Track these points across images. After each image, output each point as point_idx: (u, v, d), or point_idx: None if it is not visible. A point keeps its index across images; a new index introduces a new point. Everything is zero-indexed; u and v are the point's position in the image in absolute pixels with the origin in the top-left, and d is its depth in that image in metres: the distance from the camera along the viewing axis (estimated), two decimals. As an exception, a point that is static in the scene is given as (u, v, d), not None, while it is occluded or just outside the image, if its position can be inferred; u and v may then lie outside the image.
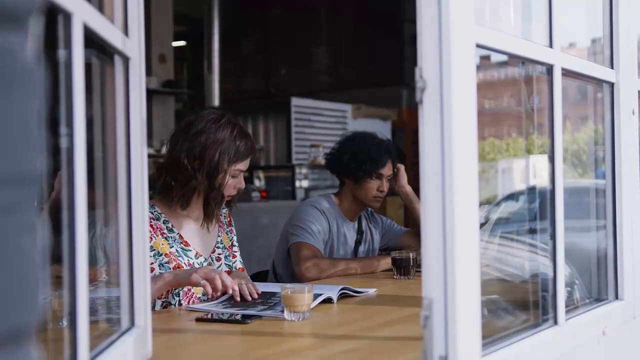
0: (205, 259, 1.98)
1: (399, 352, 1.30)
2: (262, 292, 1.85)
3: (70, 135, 0.79)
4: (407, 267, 2.22)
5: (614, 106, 1.53)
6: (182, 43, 9.06)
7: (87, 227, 0.82)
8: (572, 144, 1.78)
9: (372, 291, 1.95)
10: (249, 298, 1.75)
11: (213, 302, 1.75)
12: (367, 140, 2.52)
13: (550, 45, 1.26)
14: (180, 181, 1.89)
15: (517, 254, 1.65)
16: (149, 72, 6.28)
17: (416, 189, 1.96)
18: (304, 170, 6.31)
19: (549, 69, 1.26)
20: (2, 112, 0.47)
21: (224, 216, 2.11)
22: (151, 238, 1.86)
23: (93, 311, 0.91)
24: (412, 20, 1.06)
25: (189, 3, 7.64)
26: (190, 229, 1.98)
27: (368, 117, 7.13)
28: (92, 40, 0.90)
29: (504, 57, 1.30)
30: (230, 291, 1.74)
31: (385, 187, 2.50)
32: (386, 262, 2.35)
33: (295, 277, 2.32)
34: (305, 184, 6.28)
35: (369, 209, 2.63)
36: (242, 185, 1.98)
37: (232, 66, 8.68)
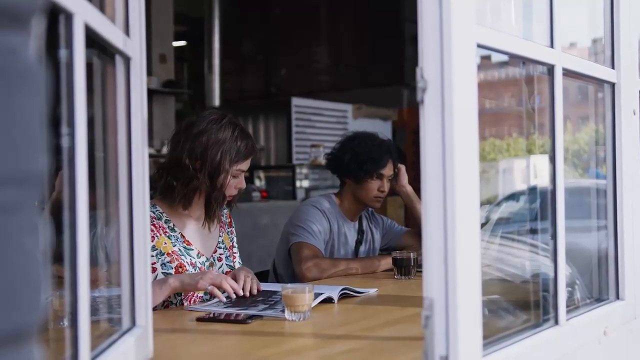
0: (207, 258, 1.99)
1: (399, 352, 1.30)
2: (262, 290, 1.85)
3: (72, 135, 0.79)
4: (408, 267, 2.22)
5: (614, 106, 1.53)
6: (182, 43, 9.06)
7: (88, 227, 0.82)
8: (572, 144, 1.78)
9: (372, 291, 1.95)
10: (248, 294, 1.76)
11: (214, 302, 1.76)
12: (368, 141, 2.52)
13: (551, 46, 1.26)
14: (182, 181, 1.90)
15: (517, 254, 1.65)
16: (149, 72, 6.28)
17: (416, 189, 1.96)
18: (305, 170, 6.31)
19: (550, 69, 1.26)
20: (4, 112, 0.47)
21: (225, 217, 2.12)
22: (153, 238, 1.87)
23: (94, 311, 0.91)
24: (412, 20, 1.06)
25: (189, 3, 7.65)
26: (191, 228, 1.98)
27: (368, 117, 7.13)
28: (93, 40, 0.91)
29: (505, 57, 1.30)
30: (234, 295, 1.75)
31: (386, 187, 2.50)
32: (387, 262, 2.35)
33: (295, 277, 2.32)
34: (305, 184, 6.28)
35: (370, 208, 2.63)
36: (243, 185, 1.98)
37: (232, 66, 8.68)
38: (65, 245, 0.80)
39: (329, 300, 1.76)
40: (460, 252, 0.94)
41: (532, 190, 1.61)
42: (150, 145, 6.17)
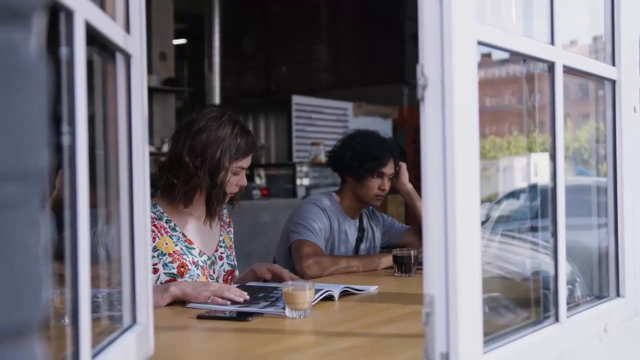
0: (209, 257, 1.99)
1: (400, 350, 1.30)
2: (263, 286, 1.85)
3: (72, 133, 0.79)
4: (408, 264, 2.22)
5: (615, 103, 1.53)
6: (182, 41, 9.06)
7: (89, 225, 0.82)
8: (573, 142, 1.78)
9: (373, 289, 1.96)
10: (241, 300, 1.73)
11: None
12: (369, 139, 2.52)
13: (552, 43, 1.26)
14: (182, 179, 1.90)
15: (518, 251, 1.65)
16: (149, 70, 6.27)
17: (417, 188, 1.96)
18: (305, 168, 6.31)
19: (551, 66, 1.26)
20: (5, 108, 0.47)
21: (225, 216, 2.12)
22: (154, 238, 1.87)
23: (95, 308, 0.91)
24: (413, 18, 1.06)
25: (189, 1, 7.64)
26: (193, 227, 1.98)
27: (369, 115, 7.13)
28: (94, 38, 0.90)
29: (506, 55, 1.30)
30: (242, 300, 1.74)
31: (387, 185, 2.50)
32: (387, 260, 2.36)
33: (296, 275, 2.32)
34: (306, 182, 6.28)
35: (371, 206, 2.63)
36: (244, 182, 1.98)
37: (232, 64, 8.68)
38: (66, 243, 0.80)
39: (329, 297, 1.77)
40: (460, 249, 0.94)
41: (533, 188, 1.61)
42: (151, 143, 6.17)
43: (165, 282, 1.86)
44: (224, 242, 2.06)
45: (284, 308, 1.57)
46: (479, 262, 0.99)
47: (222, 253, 2.04)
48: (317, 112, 6.99)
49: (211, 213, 1.95)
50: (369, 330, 1.48)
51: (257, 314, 1.58)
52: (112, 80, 1.08)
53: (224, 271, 2.02)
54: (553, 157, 1.28)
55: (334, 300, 1.78)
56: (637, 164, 1.58)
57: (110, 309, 1.17)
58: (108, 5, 1.03)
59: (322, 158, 6.08)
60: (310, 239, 2.36)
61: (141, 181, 1.12)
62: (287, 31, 8.66)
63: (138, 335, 1.08)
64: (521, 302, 1.42)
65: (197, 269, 1.93)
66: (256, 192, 5.51)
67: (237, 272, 2.09)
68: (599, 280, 1.58)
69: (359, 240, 2.59)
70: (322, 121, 7.00)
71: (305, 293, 1.55)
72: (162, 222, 1.92)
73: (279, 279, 1.96)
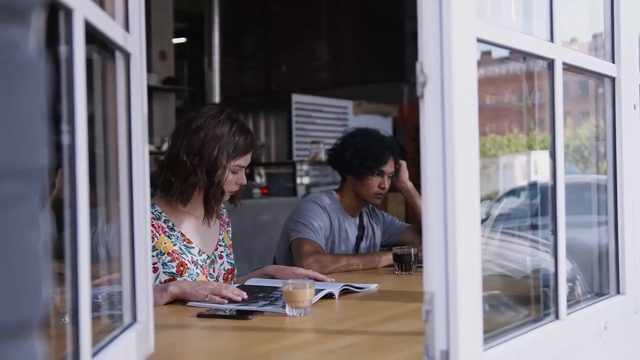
0: (208, 256, 1.98)
1: (400, 347, 1.30)
2: (263, 286, 1.85)
3: (72, 132, 0.79)
4: (409, 262, 2.22)
5: (615, 101, 1.53)
6: (182, 40, 9.05)
7: (89, 224, 0.82)
8: (573, 140, 1.78)
9: (373, 286, 1.96)
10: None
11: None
12: (369, 137, 2.52)
13: (551, 40, 1.26)
14: (180, 177, 1.89)
15: (518, 249, 1.65)
16: (149, 69, 6.28)
17: (417, 186, 1.96)
18: (305, 167, 6.31)
19: (550, 63, 1.26)
20: (5, 106, 0.47)
21: (224, 215, 2.12)
22: (153, 238, 1.86)
23: (95, 307, 0.91)
24: (413, 17, 1.06)
25: (189, 0, 7.64)
26: (191, 226, 1.98)
27: (369, 113, 7.13)
28: (93, 36, 0.90)
29: (505, 53, 1.30)
30: (240, 299, 1.73)
31: (387, 184, 2.50)
32: (387, 258, 2.36)
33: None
34: (306, 180, 6.28)
35: (371, 204, 2.63)
36: (244, 181, 1.98)
37: (232, 63, 8.68)
38: (66, 242, 0.80)
39: (329, 296, 1.77)
40: (460, 247, 0.94)
41: (533, 185, 1.62)
42: (151, 142, 6.17)
43: (165, 281, 1.86)
44: (223, 241, 2.06)
45: (283, 307, 1.57)
46: (479, 260, 0.99)
47: (221, 252, 2.04)
48: (317, 111, 6.99)
49: (208, 211, 1.95)
50: (369, 328, 1.48)
51: (257, 313, 1.58)
52: (112, 79, 1.08)
53: (224, 270, 2.02)
54: (553, 155, 1.28)
55: (334, 298, 1.78)
56: (637, 161, 1.58)
57: (111, 307, 1.17)
58: (107, 3, 1.03)
59: (322, 156, 6.08)
60: (310, 237, 2.36)
61: (141, 180, 1.12)
62: (287, 30, 8.66)
63: (138, 333, 1.09)
64: (521, 299, 1.42)
65: (197, 268, 1.93)
66: (256, 191, 5.51)
67: (236, 271, 2.10)
68: (599, 277, 1.58)
69: (359, 238, 2.59)
70: (322, 120, 7.00)
71: (306, 291, 1.55)
72: (160, 222, 1.92)
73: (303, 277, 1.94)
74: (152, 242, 1.86)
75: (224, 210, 2.13)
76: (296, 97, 6.88)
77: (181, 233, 1.94)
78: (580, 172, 1.75)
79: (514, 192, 2.07)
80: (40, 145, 0.52)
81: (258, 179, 6.37)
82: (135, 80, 1.11)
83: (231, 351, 1.36)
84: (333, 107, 7.10)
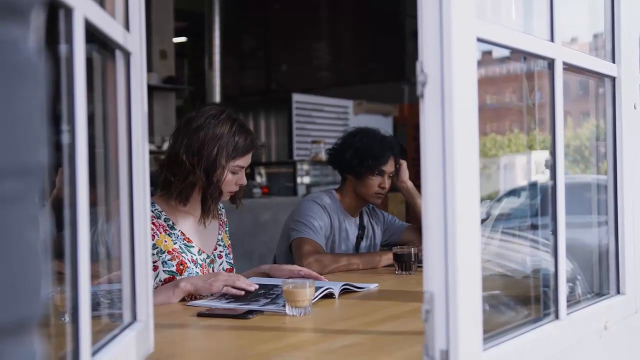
0: (208, 255, 1.99)
1: (400, 347, 1.30)
2: (262, 284, 1.85)
3: (72, 131, 0.79)
4: (409, 262, 2.22)
5: (615, 100, 1.53)
6: (183, 39, 9.05)
7: (89, 223, 0.82)
8: (574, 140, 1.78)
9: (373, 286, 1.96)
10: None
11: (214, 298, 1.76)
12: (369, 137, 2.52)
13: (552, 40, 1.26)
14: (179, 177, 1.89)
15: (518, 249, 1.65)
16: (149, 68, 6.28)
17: (417, 185, 1.96)
18: (305, 167, 6.31)
19: (550, 63, 1.26)
20: (5, 104, 0.47)
21: (223, 215, 2.12)
22: (153, 236, 1.87)
23: (95, 306, 0.91)
24: (413, 16, 1.06)
25: (189, -1, 7.64)
26: (191, 225, 1.98)
27: (369, 113, 7.13)
28: (93, 35, 0.90)
29: (506, 52, 1.30)
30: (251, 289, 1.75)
31: (387, 183, 2.50)
32: (388, 258, 2.36)
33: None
34: (306, 180, 6.28)
35: (371, 204, 2.63)
36: (244, 181, 1.97)
37: (232, 62, 8.68)
38: (66, 241, 0.80)
39: (329, 295, 1.77)
40: (460, 247, 0.94)
41: (533, 185, 1.61)
42: (151, 141, 6.17)
43: (165, 279, 1.86)
44: (222, 241, 2.06)
45: (284, 305, 1.57)
46: (479, 260, 0.99)
47: (220, 251, 2.04)
48: (318, 110, 6.99)
49: (206, 211, 1.95)
50: (369, 327, 1.48)
51: (257, 312, 1.58)
52: (112, 78, 1.08)
53: (223, 269, 2.02)
54: (553, 155, 1.27)
55: (334, 297, 1.78)
56: (637, 161, 1.57)
57: (111, 306, 1.17)
58: (107, 2, 1.03)
59: (323, 156, 6.08)
60: (310, 237, 2.36)
61: (141, 179, 1.12)
62: (288, 29, 8.66)
63: (138, 332, 1.09)
64: (521, 299, 1.42)
65: (196, 267, 1.93)
66: (257, 191, 5.51)
67: (234, 271, 2.10)
68: (599, 277, 1.58)
69: (360, 238, 2.59)
70: (323, 119, 7.00)
71: (306, 290, 1.55)
72: (160, 221, 1.92)
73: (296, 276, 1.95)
74: (153, 240, 1.86)
75: (223, 210, 2.13)
76: (296, 97, 6.88)
77: (181, 232, 1.94)
78: (573, 173, 1.75)
79: (514, 192, 2.07)
80: (39, 144, 0.52)
81: (258, 179, 6.37)
82: (136, 80, 1.11)
83: (231, 350, 1.36)
84: (333, 107, 7.10)
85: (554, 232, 1.27)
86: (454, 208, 0.93)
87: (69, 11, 0.78)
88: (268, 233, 4.69)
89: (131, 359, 1.04)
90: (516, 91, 1.66)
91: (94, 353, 0.87)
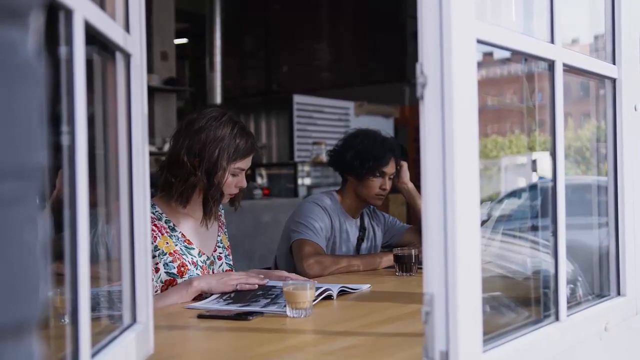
0: (208, 257, 1.99)
1: (400, 348, 1.30)
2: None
3: (72, 133, 0.79)
4: (409, 263, 2.22)
5: (615, 102, 1.53)
6: (183, 40, 9.06)
7: (89, 225, 0.82)
8: (574, 141, 1.77)
9: (365, 287, 1.96)
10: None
11: (214, 299, 1.76)
12: (370, 138, 2.52)
13: (552, 41, 1.25)
14: (179, 178, 1.90)
15: (519, 250, 1.65)
16: (150, 69, 6.29)
17: (418, 187, 1.96)
18: (306, 168, 6.31)
19: (551, 64, 1.26)
20: (4, 106, 0.47)
21: (222, 216, 2.12)
22: (155, 238, 1.87)
23: (95, 307, 0.91)
24: (414, 17, 1.06)
25: (190, 0, 7.64)
26: (191, 227, 1.98)
27: (370, 114, 7.13)
28: (93, 37, 0.90)
29: (507, 54, 1.29)
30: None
31: (388, 185, 2.50)
32: (388, 259, 2.36)
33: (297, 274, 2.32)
34: (307, 181, 6.28)
35: (372, 205, 2.63)
36: (244, 184, 1.98)
37: (233, 63, 8.69)
38: (66, 242, 0.80)
39: (328, 297, 1.77)
40: (460, 248, 0.94)
41: (533, 187, 1.61)
42: (152, 143, 6.17)
43: (166, 281, 1.86)
44: (221, 243, 2.07)
45: (284, 307, 1.57)
46: (479, 261, 0.99)
47: (220, 253, 2.04)
48: (319, 112, 6.99)
49: (207, 213, 1.96)
50: (369, 329, 1.48)
51: (257, 313, 1.58)
52: (112, 80, 1.08)
53: (223, 271, 2.03)
54: (553, 156, 1.27)
55: (332, 299, 1.78)
56: (637, 162, 1.57)
57: (110, 308, 1.17)
58: (108, 4, 1.03)
59: (324, 157, 6.08)
60: (311, 239, 2.36)
61: (141, 181, 1.12)
62: (288, 30, 8.66)
63: (138, 334, 1.09)
64: (521, 301, 1.42)
65: (197, 269, 1.93)
66: (257, 192, 5.51)
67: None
68: (600, 279, 1.58)
69: (360, 239, 2.59)
70: (324, 120, 7.00)
71: (306, 292, 1.55)
72: (161, 223, 1.92)
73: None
74: (155, 242, 1.87)
75: (222, 211, 2.13)
76: (297, 98, 6.88)
77: (182, 234, 1.94)
78: (573, 174, 1.75)
79: (515, 194, 2.07)
80: (38, 145, 0.52)
81: (259, 180, 6.37)
82: (136, 81, 1.11)
83: (231, 352, 1.36)
84: (334, 108, 7.10)
85: (555, 234, 1.27)
86: (454, 209, 0.93)
87: (69, 13, 0.79)
88: (269, 234, 4.69)
89: (131, 360, 1.04)
90: (517, 92, 1.66)
91: (94, 355, 0.87)
